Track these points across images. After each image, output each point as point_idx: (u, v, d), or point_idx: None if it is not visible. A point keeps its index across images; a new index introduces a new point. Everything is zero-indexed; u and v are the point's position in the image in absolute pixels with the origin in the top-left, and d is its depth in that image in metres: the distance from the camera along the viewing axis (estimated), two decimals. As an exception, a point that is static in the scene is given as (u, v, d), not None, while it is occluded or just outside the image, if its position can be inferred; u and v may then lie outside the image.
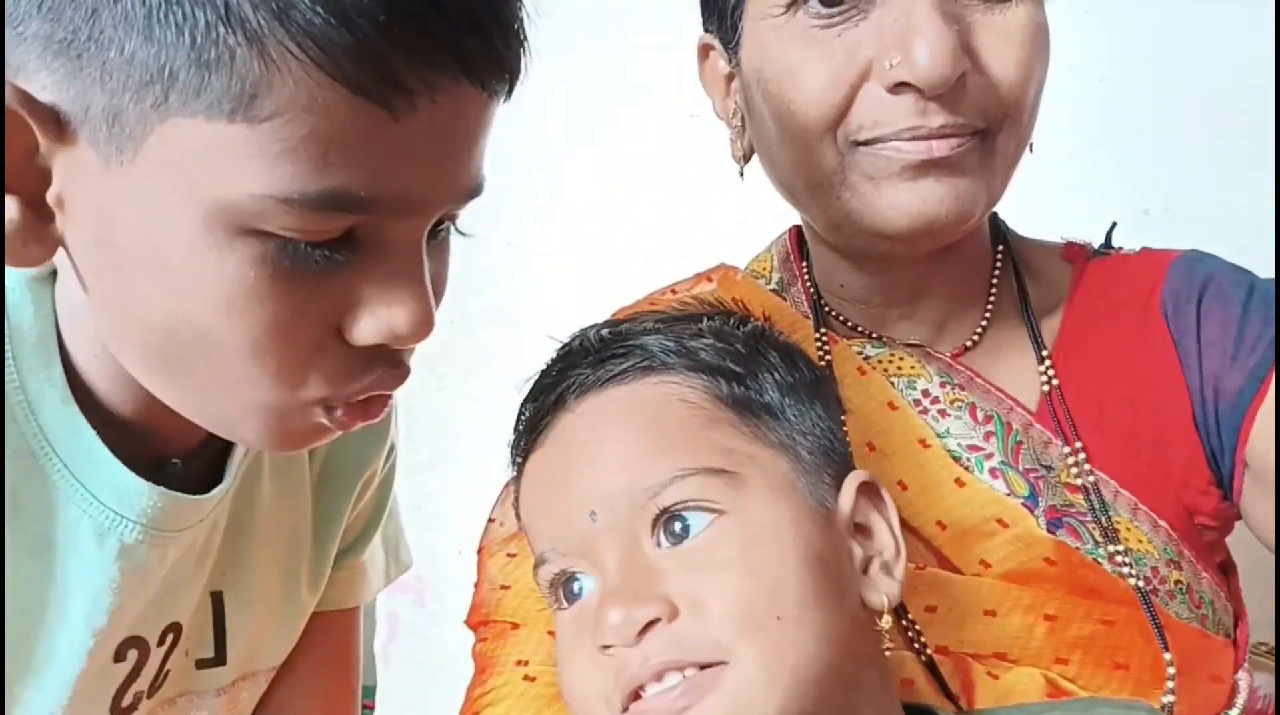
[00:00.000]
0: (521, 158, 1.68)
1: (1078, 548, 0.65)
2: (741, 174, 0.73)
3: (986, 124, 0.62)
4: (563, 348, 0.58)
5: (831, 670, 0.48)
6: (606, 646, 0.48)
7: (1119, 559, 0.64)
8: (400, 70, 0.42)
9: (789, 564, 0.49)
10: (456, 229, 0.55)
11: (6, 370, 0.55)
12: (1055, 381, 0.69)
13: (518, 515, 0.58)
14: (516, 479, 0.58)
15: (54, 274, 0.57)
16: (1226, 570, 0.72)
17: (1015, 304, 0.74)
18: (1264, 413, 0.65)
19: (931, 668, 0.61)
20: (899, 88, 0.60)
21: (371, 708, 2.14)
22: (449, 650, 1.62)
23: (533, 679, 0.65)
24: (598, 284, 1.60)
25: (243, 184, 0.43)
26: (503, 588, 0.71)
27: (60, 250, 0.50)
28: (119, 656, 0.62)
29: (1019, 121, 0.64)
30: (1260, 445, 0.65)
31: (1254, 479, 0.66)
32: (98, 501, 0.57)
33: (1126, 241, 0.83)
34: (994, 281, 0.74)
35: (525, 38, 0.47)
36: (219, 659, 0.70)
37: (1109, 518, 0.65)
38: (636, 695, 0.48)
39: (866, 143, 0.62)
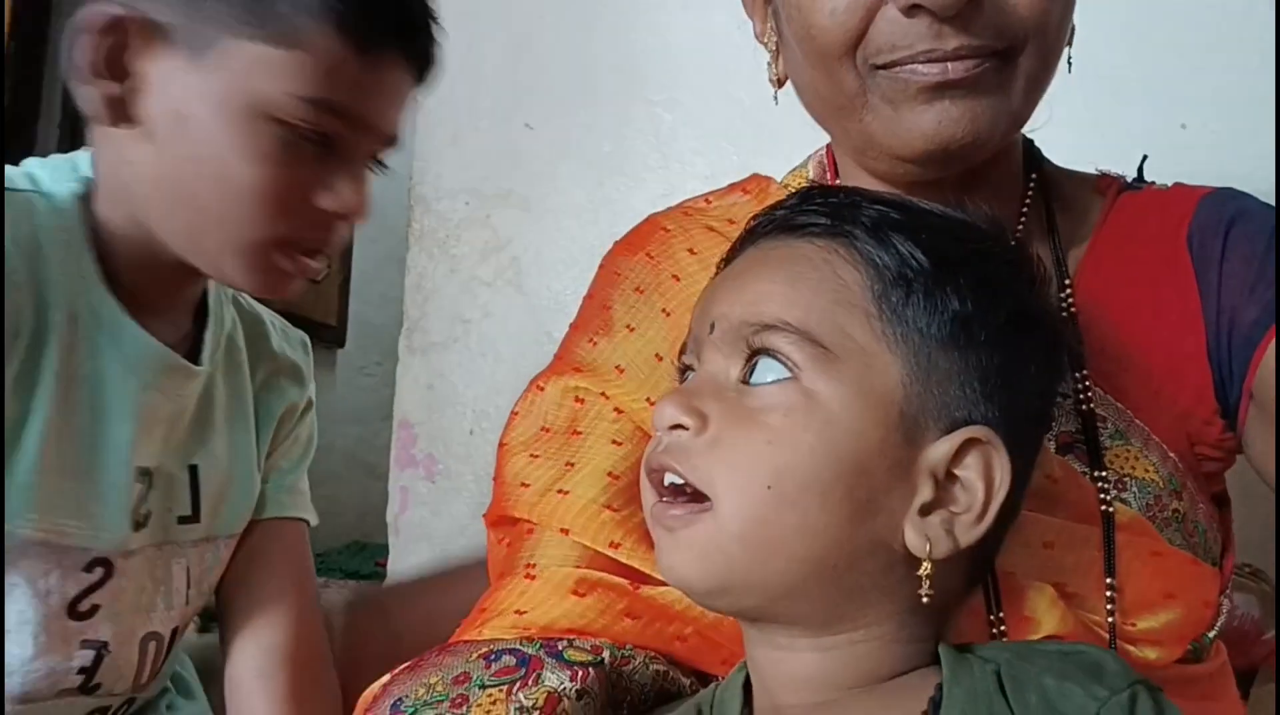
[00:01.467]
0: (544, 41, 1.63)
1: (1083, 473, 0.66)
2: (776, 98, 0.74)
3: (1006, 44, 0.62)
4: (793, 193, 0.60)
5: (817, 563, 0.49)
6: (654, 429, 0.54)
7: (1102, 486, 0.66)
8: (375, 43, 0.77)
9: (817, 453, 0.49)
10: (382, 167, 0.87)
11: (50, 255, 0.78)
12: (1073, 309, 0.69)
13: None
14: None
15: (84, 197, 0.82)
16: (1221, 502, 0.74)
17: (1044, 232, 0.73)
18: (1276, 345, 0.65)
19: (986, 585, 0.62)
20: (912, 10, 0.60)
21: (384, 565, 2.23)
22: (456, 525, 1.69)
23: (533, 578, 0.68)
24: (615, 170, 1.60)
25: (276, 85, 0.75)
26: (522, 486, 0.72)
27: (107, 140, 0.79)
28: (136, 479, 0.87)
29: (1042, 41, 0.63)
30: (1267, 377, 0.65)
31: (1258, 410, 0.67)
32: (127, 353, 0.83)
33: (1160, 158, 0.82)
34: (1024, 209, 0.74)
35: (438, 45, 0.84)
36: (195, 517, 0.93)
37: (1099, 446, 0.66)
38: (655, 476, 0.54)
39: (885, 66, 0.63)
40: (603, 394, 0.74)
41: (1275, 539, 1.00)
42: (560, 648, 0.62)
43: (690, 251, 0.78)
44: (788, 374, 0.51)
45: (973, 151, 0.64)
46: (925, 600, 0.51)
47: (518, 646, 0.62)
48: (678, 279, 0.77)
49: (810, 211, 0.56)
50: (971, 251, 0.55)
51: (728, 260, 0.60)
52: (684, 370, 0.58)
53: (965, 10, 0.60)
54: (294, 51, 0.74)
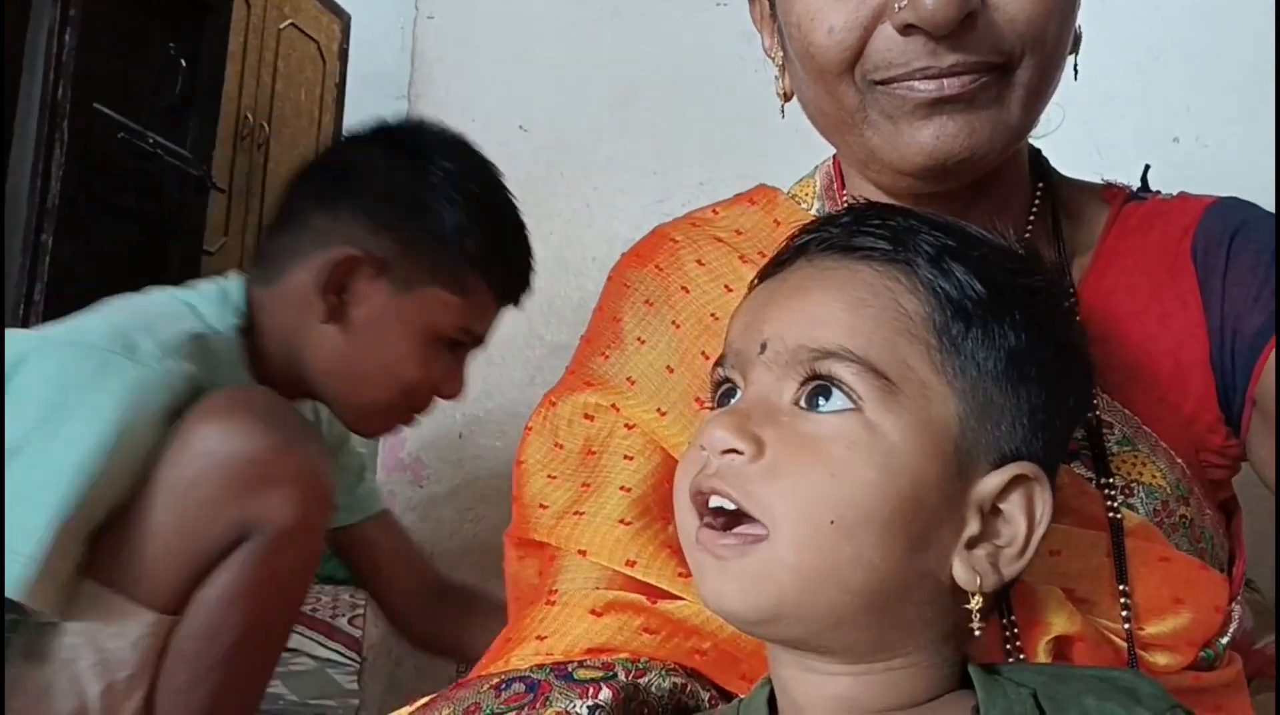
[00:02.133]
0: (540, 45, 1.63)
1: (1090, 479, 0.66)
2: (783, 112, 0.74)
3: (1003, 58, 0.62)
4: (846, 210, 0.60)
5: (865, 596, 0.49)
6: (703, 447, 0.51)
7: (1107, 492, 0.65)
8: (510, 295, 1.21)
9: (878, 488, 0.48)
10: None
11: (224, 377, 1.10)
12: (1078, 318, 0.69)
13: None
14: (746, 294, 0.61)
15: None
16: (1229, 509, 0.74)
17: (1050, 240, 0.74)
18: (1277, 352, 0.65)
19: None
20: (908, 29, 0.61)
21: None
22: (444, 529, 1.67)
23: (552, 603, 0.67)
24: (610, 175, 1.60)
25: (449, 319, 1.15)
26: (541, 507, 0.72)
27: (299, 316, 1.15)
28: None
29: (1039, 53, 0.63)
30: (1270, 385, 0.65)
31: (1261, 418, 0.67)
32: None
33: (1157, 170, 0.82)
34: (1031, 218, 0.74)
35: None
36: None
37: (1104, 452, 0.66)
38: (701, 501, 0.51)
39: (883, 82, 0.63)
40: (613, 406, 0.73)
41: (1275, 545, 1.01)
42: (570, 669, 0.61)
43: (699, 262, 0.77)
44: (849, 405, 0.49)
45: (971, 165, 0.65)
46: (977, 633, 0.51)
47: (528, 674, 0.61)
48: (686, 291, 0.76)
49: (868, 233, 0.54)
50: (1023, 285, 0.55)
51: (767, 273, 0.58)
52: (721, 384, 0.56)
53: (960, 29, 0.60)
54: (465, 298, 1.14)
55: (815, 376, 0.50)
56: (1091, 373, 0.59)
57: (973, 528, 0.50)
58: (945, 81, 0.61)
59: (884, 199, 0.72)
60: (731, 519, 0.50)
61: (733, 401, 0.54)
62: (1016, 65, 0.63)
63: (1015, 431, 0.52)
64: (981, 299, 0.52)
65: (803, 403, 0.51)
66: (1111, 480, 0.65)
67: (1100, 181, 0.79)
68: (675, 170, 1.54)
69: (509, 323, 1.58)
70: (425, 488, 1.61)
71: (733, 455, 0.49)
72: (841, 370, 0.50)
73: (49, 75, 2.30)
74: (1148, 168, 0.85)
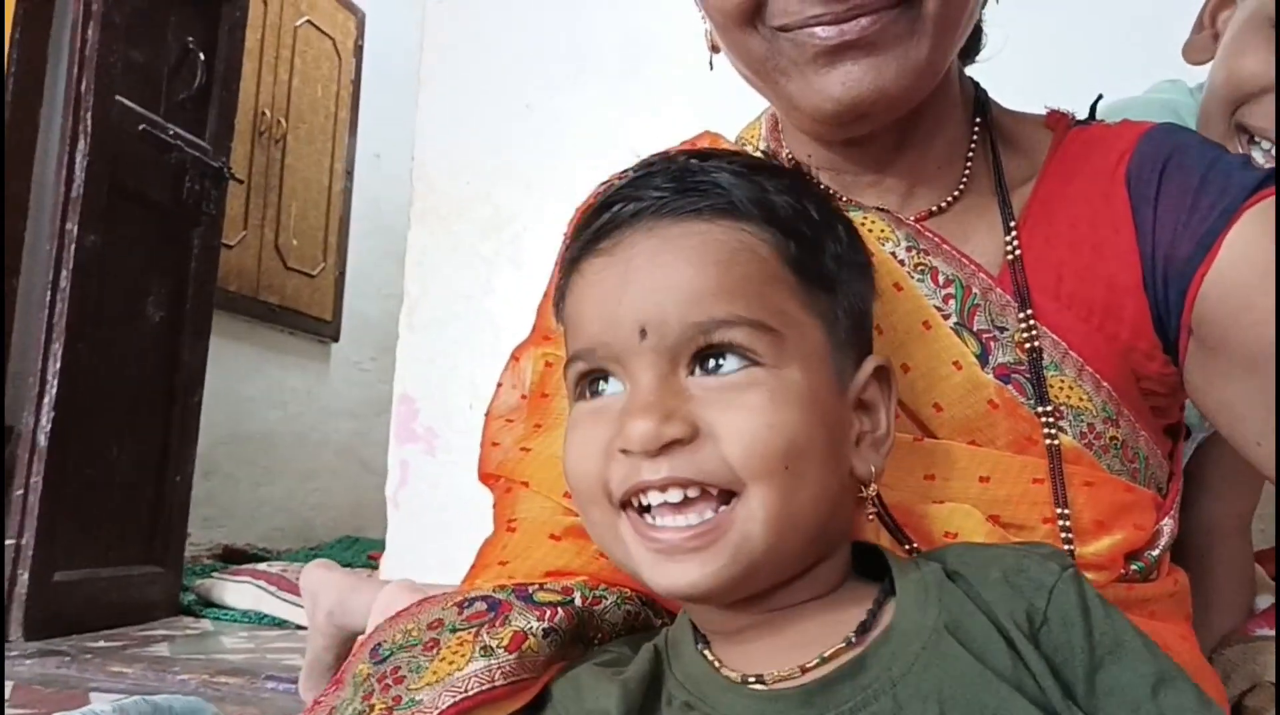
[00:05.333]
0: (541, 22, 1.66)
1: (1022, 402, 0.67)
2: (711, 64, 0.74)
3: None
4: (642, 165, 0.59)
5: (819, 523, 0.52)
6: (625, 451, 0.50)
7: (1045, 419, 0.66)
8: None
9: (806, 423, 0.51)
10: None
11: None
12: (1019, 251, 0.70)
13: (557, 310, 0.60)
14: (567, 274, 0.58)
15: None
16: (1174, 434, 0.75)
17: (989, 175, 0.74)
18: (1209, 279, 0.65)
19: (883, 519, 0.64)
20: None
21: (377, 557, 2.25)
22: (457, 497, 1.71)
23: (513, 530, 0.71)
24: (613, 147, 1.63)
25: None
26: (494, 445, 0.77)
27: None
28: None
29: None
30: (1205, 312, 0.66)
31: (1197, 345, 0.67)
32: None
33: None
34: (970, 153, 0.74)
35: None
36: None
37: (1042, 379, 0.68)
38: (629, 501, 0.51)
39: (784, 28, 0.63)
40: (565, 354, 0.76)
41: (1275, 529, 1.03)
42: (531, 591, 0.64)
43: None
44: (748, 362, 0.52)
45: (886, 107, 0.64)
46: (870, 519, 0.56)
47: (490, 594, 0.64)
48: None
49: (692, 189, 0.55)
50: (812, 191, 0.59)
51: (586, 251, 0.56)
52: (594, 379, 0.55)
53: None
54: None
55: (708, 347, 0.51)
56: (869, 258, 0.61)
57: (856, 426, 0.55)
58: (844, 26, 0.61)
59: (812, 140, 0.73)
60: (675, 509, 0.50)
61: (607, 390, 0.54)
62: None
63: (857, 332, 0.57)
64: (810, 222, 0.55)
65: (697, 371, 0.51)
66: (1048, 408, 0.67)
67: (1044, 110, 0.79)
68: (677, 141, 1.58)
69: (516, 295, 1.63)
70: (437, 456, 1.65)
71: (670, 448, 0.49)
72: (735, 334, 0.51)
73: (72, 69, 2.36)
74: (1099, 96, 0.86)
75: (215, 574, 2.90)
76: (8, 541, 2.24)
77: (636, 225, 0.54)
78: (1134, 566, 0.68)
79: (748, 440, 0.50)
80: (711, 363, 0.51)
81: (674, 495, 0.50)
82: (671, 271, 0.52)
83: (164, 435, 2.65)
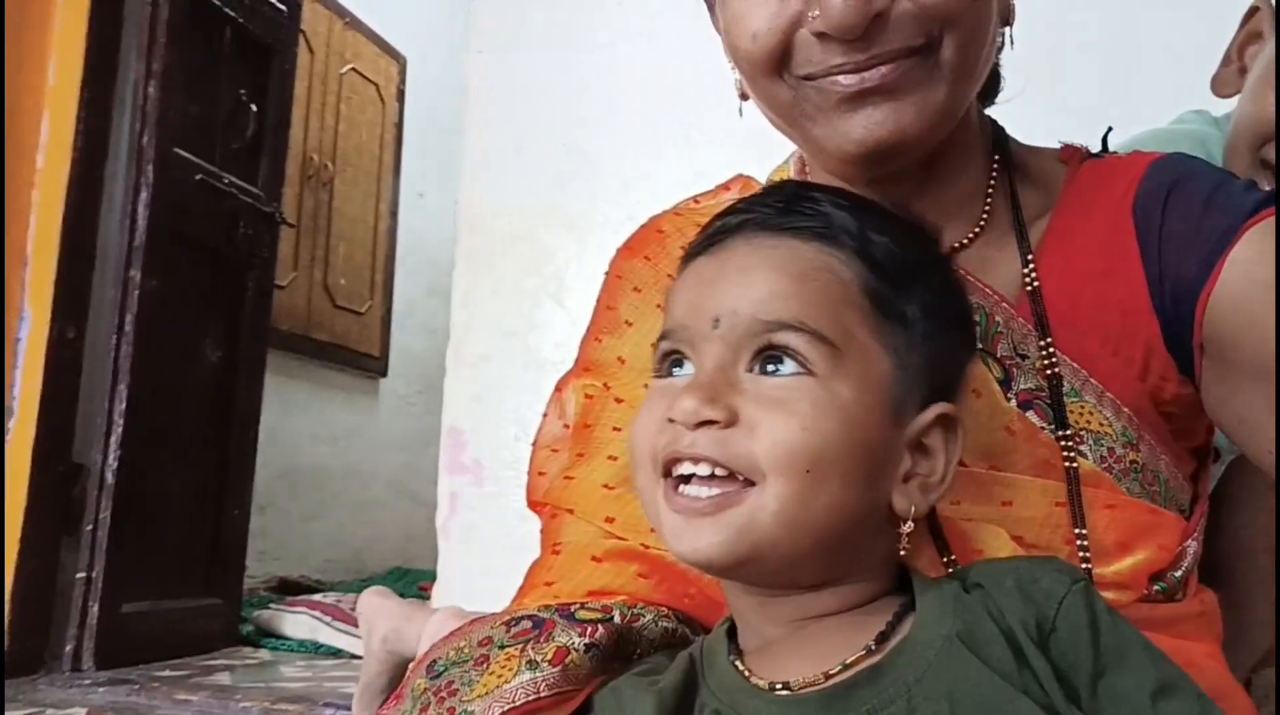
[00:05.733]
0: (580, 68, 1.74)
1: (1042, 428, 0.70)
2: (740, 111, 0.78)
3: (923, 41, 0.65)
4: (765, 188, 0.65)
5: (835, 534, 0.56)
6: (671, 420, 0.56)
7: (1064, 444, 0.69)
8: None
9: (840, 439, 0.54)
10: None
11: None
12: (1036, 283, 0.73)
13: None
14: (679, 271, 0.64)
15: None
16: (1201, 456, 0.77)
17: (1008, 210, 0.77)
18: (1214, 298, 0.68)
19: (931, 527, 0.68)
20: (822, 35, 0.64)
21: (428, 589, 2.31)
22: (503, 527, 1.77)
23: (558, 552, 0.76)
24: (649, 188, 1.69)
25: None
26: (540, 475, 0.82)
27: None
28: None
29: (959, 31, 0.65)
30: (1213, 331, 0.68)
31: (1210, 362, 0.69)
32: None
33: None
34: (990, 189, 0.78)
35: None
36: None
37: (1062, 405, 0.70)
38: (670, 466, 0.56)
39: (809, 77, 0.67)
40: (605, 385, 0.81)
41: (1274, 534, 1.04)
42: (573, 610, 0.68)
43: (683, 249, 0.83)
44: (802, 370, 0.56)
45: (907, 148, 0.67)
46: (904, 553, 0.59)
47: (536, 613, 0.68)
48: (671, 277, 0.82)
49: (799, 213, 0.60)
50: (929, 253, 0.63)
51: (699, 251, 0.62)
52: (674, 360, 0.60)
53: (872, 27, 0.62)
54: None
55: (768, 348, 0.56)
56: (973, 324, 0.66)
57: (906, 464, 0.58)
58: (865, 74, 0.65)
59: (839, 180, 0.76)
60: (703, 482, 0.55)
61: (680, 372, 0.60)
62: (938, 46, 0.66)
63: (932, 377, 0.60)
64: (900, 264, 0.60)
65: (756, 369, 0.56)
66: (1067, 432, 0.70)
67: (1058, 144, 0.82)
68: (710, 180, 1.64)
69: (558, 330, 1.69)
70: (484, 488, 1.71)
71: (707, 426, 0.55)
72: (796, 340, 0.56)
73: (135, 124, 2.49)
74: (1109, 129, 0.90)
75: (272, 605, 2.98)
76: (79, 575, 2.34)
77: (740, 234, 0.60)
78: (1157, 587, 0.70)
79: (778, 438, 0.54)
80: (770, 365, 0.56)
81: (703, 469, 0.55)
82: (754, 275, 0.58)
83: (221, 471, 2.74)
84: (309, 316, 3.91)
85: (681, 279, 0.62)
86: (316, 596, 3.01)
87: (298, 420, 3.85)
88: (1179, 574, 0.71)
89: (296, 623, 2.80)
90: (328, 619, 2.77)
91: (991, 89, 0.82)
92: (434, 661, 0.68)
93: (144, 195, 2.47)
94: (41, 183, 2.37)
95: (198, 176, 2.62)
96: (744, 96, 0.76)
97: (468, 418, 1.75)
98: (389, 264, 4.45)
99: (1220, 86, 1.11)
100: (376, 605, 1.44)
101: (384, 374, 4.40)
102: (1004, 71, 0.81)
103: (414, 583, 3.53)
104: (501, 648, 0.66)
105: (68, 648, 2.30)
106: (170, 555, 2.57)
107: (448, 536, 1.73)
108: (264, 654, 2.69)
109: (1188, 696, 0.51)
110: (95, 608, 2.33)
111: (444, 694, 0.64)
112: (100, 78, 2.46)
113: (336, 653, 2.68)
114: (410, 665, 0.72)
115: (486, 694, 0.63)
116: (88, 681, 2.20)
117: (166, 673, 2.33)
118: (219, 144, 2.74)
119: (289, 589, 3.47)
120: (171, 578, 2.57)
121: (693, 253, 0.63)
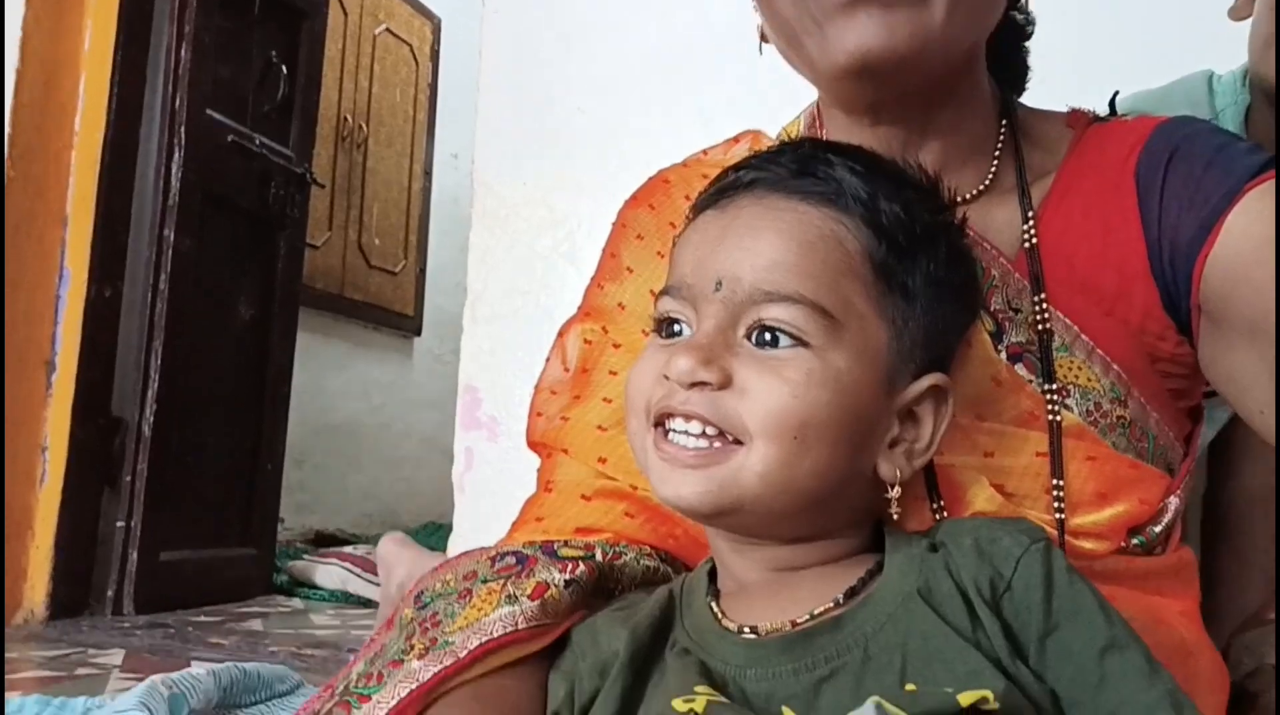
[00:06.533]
0: (593, 30, 1.74)
1: (1030, 381, 0.71)
2: (760, 49, 0.79)
3: None
4: (781, 144, 0.64)
5: (818, 496, 0.57)
6: (667, 377, 0.57)
7: (1049, 397, 0.70)
8: None
9: (831, 407, 0.55)
10: None
11: None
12: (1035, 239, 0.74)
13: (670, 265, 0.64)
14: (686, 223, 0.64)
15: None
16: (1196, 417, 0.78)
17: (1013, 170, 0.78)
18: (1212, 259, 0.68)
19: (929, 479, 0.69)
20: None
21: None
22: (516, 481, 1.79)
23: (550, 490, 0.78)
24: (661, 150, 1.70)
25: None
26: (538, 415, 0.84)
27: None
28: None
29: None
30: (1210, 292, 0.68)
31: (1207, 322, 0.69)
32: None
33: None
34: (996, 151, 0.78)
35: None
36: None
37: (1051, 359, 0.71)
38: (662, 420, 0.58)
39: None
40: (604, 329, 0.82)
41: (1275, 502, 1.03)
42: (556, 547, 0.70)
43: (686, 198, 0.81)
44: (800, 344, 0.57)
45: (897, 65, 0.68)
46: (895, 517, 0.60)
47: (520, 549, 0.71)
48: (674, 226, 0.82)
49: (811, 175, 0.60)
50: (940, 221, 0.63)
51: (708, 204, 0.63)
52: (671, 322, 0.60)
53: None
54: None
55: (764, 324, 0.57)
56: (978, 292, 0.66)
57: (894, 431, 0.60)
58: None
59: (848, 123, 0.78)
60: (692, 435, 0.57)
61: (682, 333, 0.60)
62: None
63: (928, 347, 0.61)
64: (909, 234, 0.60)
65: (753, 339, 0.57)
66: (1054, 386, 0.71)
67: (1066, 109, 0.82)
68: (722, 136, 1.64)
69: (571, 290, 1.71)
70: (499, 443, 1.75)
71: (701, 386, 0.56)
72: (794, 313, 0.56)
73: (167, 87, 2.54)
74: (1115, 93, 0.90)
75: (306, 556, 3.08)
76: (119, 524, 2.44)
77: (750, 193, 0.60)
78: (1135, 540, 0.71)
79: (769, 405, 0.55)
80: (768, 337, 0.57)
81: (694, 427, 0.56)
82: (760, 239, 0.58)
83: (256, 426, 2.83)
84: (344, 276, 3.98)
85: (689, 232, 0.63)
86: (348, 549, 3.11)
87: (334, 377, 3.94)
88: (1159, 529, 0.72)
89: (328, 573, 2.89)
90: (357, 570, 2.85)
91: (1019, 77, 0.83)
92: (421, 593, 0.71)
93: (177, 156, 2.53)
94: (79, 145, 2.43)
95: (230, 138, 2.67)
96: (764, 39, 0.78)
97: (483, 375, 1.78)
98: (423, 224, 4.50)
99: (1237, 12, 1.13)
100: (395, 552, 1.49)
101: (418, 333, 4.47)
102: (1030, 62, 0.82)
103: (445, 537, 3.60)
104: (484, 582, 0.68)
105: (109, 593, 2.41)
106: (207, 506, 2.67)
107: (463, 490, 1.78)
108: (296, 603, 2.79)
109: (1135, 656, 0.52)
110: (134, 555, 2.43)
111: (428, 625, 0.67)
112: (133, 42, 2.51)
113: (366, 603, 2.76)
114: (404, 594, 0.76)
115: (467, 626, 0.65)
116: (127, 625, 2.30)
117: (201, 618, 2.43)
118: (250, 106, 2.79)
119: (325, 541, 3.57)
120: (208, 528, 2.67)
121: (702, 205, 0.63)
